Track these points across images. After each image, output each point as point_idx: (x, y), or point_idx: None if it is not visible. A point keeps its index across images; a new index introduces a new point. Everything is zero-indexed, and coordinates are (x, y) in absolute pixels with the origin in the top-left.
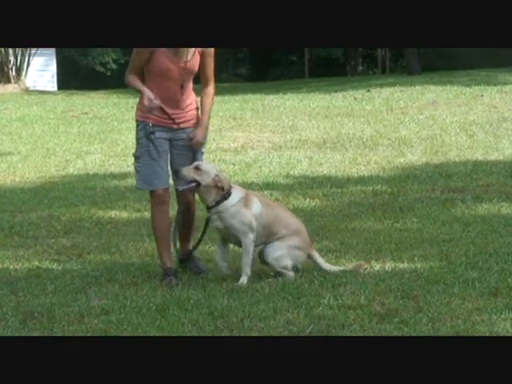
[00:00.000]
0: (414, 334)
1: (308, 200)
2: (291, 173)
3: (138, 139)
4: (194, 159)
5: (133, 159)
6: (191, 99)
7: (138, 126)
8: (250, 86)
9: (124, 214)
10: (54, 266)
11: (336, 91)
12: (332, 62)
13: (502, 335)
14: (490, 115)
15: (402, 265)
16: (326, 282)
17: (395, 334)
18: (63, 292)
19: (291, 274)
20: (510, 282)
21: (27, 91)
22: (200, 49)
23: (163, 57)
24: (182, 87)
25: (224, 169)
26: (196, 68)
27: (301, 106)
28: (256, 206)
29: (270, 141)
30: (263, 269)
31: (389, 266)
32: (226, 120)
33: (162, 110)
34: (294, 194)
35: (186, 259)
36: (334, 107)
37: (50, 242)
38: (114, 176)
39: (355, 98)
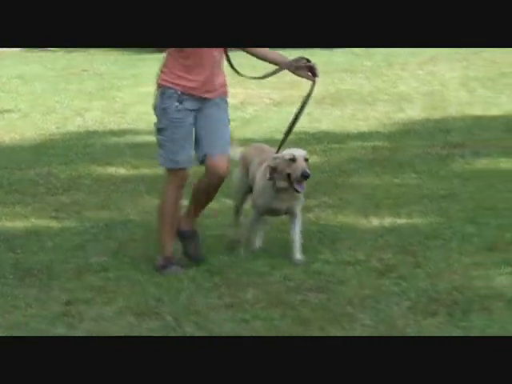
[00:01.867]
0: (412, 289)
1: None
2: None
3: (162, 108)
4: (223, 127)
5: (155, 130)
6: (222, 72)
7: (163, 92)
8: None
9: (123, 171)
10: (52, 223)
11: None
12: None
13: (499, 290)
14: (490, 70)
15: (400, 220)
16: (324, 238)
17: (393, 289)
18: (62, 249)
19: None
20: (507, 237)
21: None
22: None
23: None
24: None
25: None
26: None
27: None
28: None
29: (269, 97)
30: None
31: (387, 221)
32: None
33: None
34: None
35: (189, 236)
36: (333, 63)
37: (49, 200)
38: (113, 133)
39: (355, 54)
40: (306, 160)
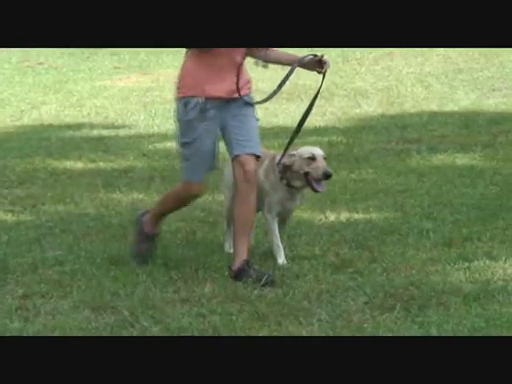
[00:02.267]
0: (369, 284)
1: (264, 151)
2: None
3: (186, 121)
4: (252, 125)
5: (178, 143)
6: (246, 71)
7: (186, 103)
8: None
9: (79, 165)
10: (7, 217)
11: None
12: None
13: (456, 285)
14: (446, 66)
15: (356, 215)
16: (280, 232)
17: (350, 284)
18: (17, 242)
19: None
20: (463, 233)
21: None
22: None
23: None
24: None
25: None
26: None
27: None
28: None
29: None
30: (218, 220)
31: (344, 216)
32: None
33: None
34: None
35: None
36: None
37: (4, 193)
38: (69, 126)
39: (311, 49)
40: (325, 159)
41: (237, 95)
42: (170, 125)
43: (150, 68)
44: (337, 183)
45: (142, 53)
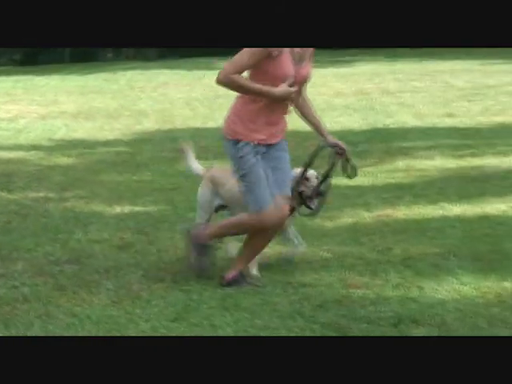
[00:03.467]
0: (146, 262)
1: (66, 158)
2: (53, 137)
3: (239, 157)
4: (289, 168)
5: (241, 182)
6: None
7: (236, 143)
8: (22, 70)
9: None
10: None
11: (89, 73)
12: (87, 49)
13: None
14: (207, 93)
15: (137, 208)
16: (78, 222)
17: (131, 261)
18: None
19: None
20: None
21: None
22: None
23: (288, 60)
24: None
25: (0, 134)
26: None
27: (62, 85)
28: None
29: (36, 112)
30: (30, 212)
31: (127, 209)
32: (1, 96)
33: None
34: (54, 154)
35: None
36: (87, 86)
37: None
38: None
39: (105, 79)
40: (317, 178)
41: (277, 140)
42: None
43: None
44: (122, 183)
45: None
